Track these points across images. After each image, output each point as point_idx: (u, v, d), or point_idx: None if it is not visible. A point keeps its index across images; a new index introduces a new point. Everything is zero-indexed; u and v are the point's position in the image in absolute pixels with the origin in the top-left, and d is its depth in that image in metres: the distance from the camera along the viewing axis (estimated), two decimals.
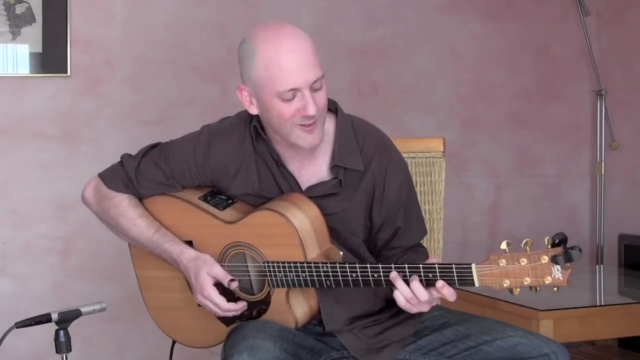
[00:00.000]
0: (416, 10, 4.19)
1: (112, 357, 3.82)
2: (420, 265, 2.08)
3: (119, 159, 2.40)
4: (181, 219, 2.32)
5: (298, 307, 2.24)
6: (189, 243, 2.29)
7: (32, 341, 3.55)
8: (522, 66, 4.38)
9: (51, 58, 3.66)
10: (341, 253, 2.25)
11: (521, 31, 4.35)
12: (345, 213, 2.27)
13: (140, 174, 2.34)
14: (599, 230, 4.35)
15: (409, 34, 4.19)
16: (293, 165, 2.28)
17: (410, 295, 2.08)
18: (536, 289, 2.01)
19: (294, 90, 2.14)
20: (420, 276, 2.08)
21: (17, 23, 3.61)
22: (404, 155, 2.40)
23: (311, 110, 2.15)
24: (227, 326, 2.29)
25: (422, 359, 2.27)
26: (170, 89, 3.84)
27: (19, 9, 3.61)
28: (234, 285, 2.21)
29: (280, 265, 2.18)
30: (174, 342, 2.46)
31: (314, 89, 2.16)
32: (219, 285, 2.22)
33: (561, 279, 1.98)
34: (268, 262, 2.20)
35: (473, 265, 2.03)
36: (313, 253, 2.19)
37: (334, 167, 2.26)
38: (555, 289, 2.00)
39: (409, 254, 2.31)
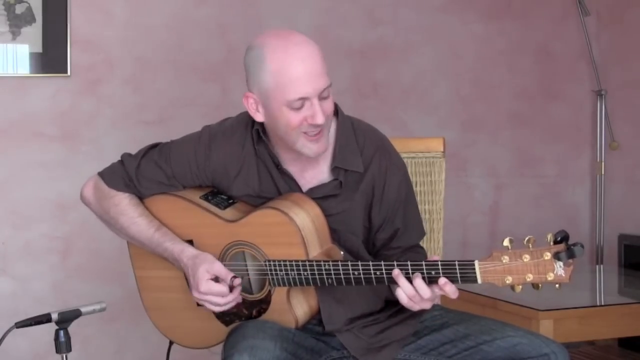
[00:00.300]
0: (416, 10, 4.19)
1: (112, 357, 3.82)
2: (423, 263, 2.08)
3: (118, 159, 2.40)
4: (182, 218, 2.32)
5: (298, 306, 2.24)
6: (190, 242, 2.29)
7: (32, 341, 3.55)
8: (522, 66, 4.38)
9: (51, 58, 3.67)
10: (342, 252, 2.25)
11: (521, 31, 4.35)
12: (346, 214, 2.28)
13: (140, 174, 2.34)
14: (599, 230, 4.35)
15: (409, 34, 4.19)
16: (294, 168, 2.29)
17: (413, 292, 2.08)
18: (538, 286, 2.01)
19: (303, 99, 2.14)
20: (422, 273, 2.08)
21: (17, 23, 3.61)
22: (403, 155, 2.41)
23: (319, 119, 2.15)
24: (227, 326, 2.29)
25: (421, 358, 2.27)
26: (170, 89, 3.84)
27: (19, 9, 3.61)
28: (237, 283, 2.21)
29: (282, 263, 2.18)
30: (170, 343, 2.46)
31: (322, 98, 2.16)
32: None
33: (563, 275, 1.98)
34: (269, 261, 2.20)
35: (476, 262, 2.03)
36: (314, 251, 2.19)
37: (334, 168, 2.27)
38: (557, 285, 2.00)
39: (408, 255, 2.31)
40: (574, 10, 4.34)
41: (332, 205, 2.27)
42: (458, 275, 2.05)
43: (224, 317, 2.30)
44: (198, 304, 2.31)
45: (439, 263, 2.07)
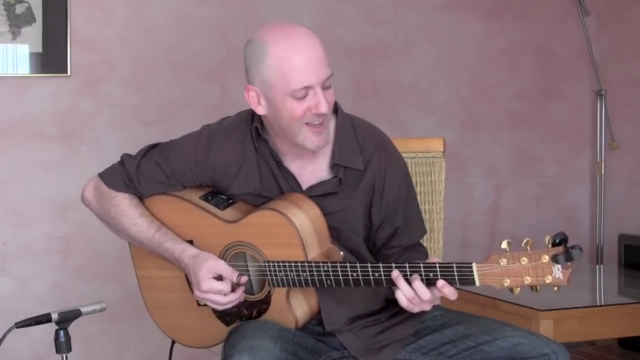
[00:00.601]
0: (416, 10, 4.19)
1: (112, 357, 3.82)
2: (421, 265, 2.08)
3: (119, 159, 2.40)
4: (182, 219, 2.32)
5: (298, 306, 2.24)
6: (190, 242, 2.29)
7: (32, 341, 3.55)
8: (522, 66, 4.38)
9: (51, 58, 3.67)
10: (342, 253, 2.25)
11: (521, 31, 4.35)
12: (346, 212, 2.28)
13: (140, 174, 2.34)
14: (599, 230, 4.35)
15: (409, 34, 4.19)
16: (294, 165, 2.29)
17: (412, 294, 2.08)
18: (536, 289, 2.01)
19: (307, 89, 2.15)
20: (421, 275, 2.08)
21: (17, 23, 3.61)
22: (404, 155, 2.40)
23: (323, 108, 2.15)
24: (227, 326, 2.30)
25: (422, 358, 2.27)
26: (170, 89, 3.84)
27: (19, 9, 3.61)
28: (244, 280, 2.20)
29: (281, 264, 2.18)
30: (173, 342, 2.46)
31: (324, 87, 2.17)
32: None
33: (562, 278, 1.98)
34: (268, 262, 2.20)
35: (474, 265, 2.03)
36: (314, 253, 2.19)
37: (334, 165, 2.26)
38: (555, 288, 2.00)
39: (408, 253, 2.31)
40: (574, 10, 4.34)
41: (332, 203, 2.27)
42: (456, 277, 2.05)
43: (225, 317, 2.30)
44: (199, 304, 2.32)
45: (437, 265, 2.07)
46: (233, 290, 2.21)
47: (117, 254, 2.93)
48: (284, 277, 2.19)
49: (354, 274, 2.13)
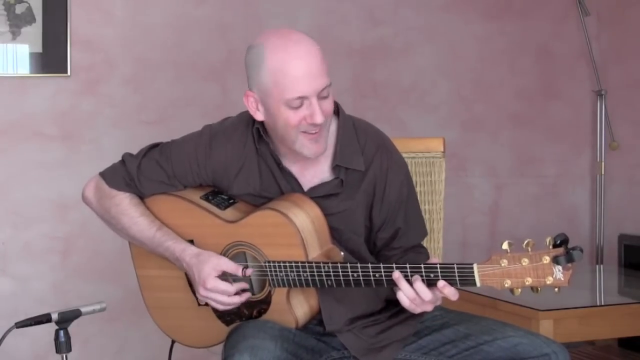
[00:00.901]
0: (416, 10, 4.19)
1: (112, 357, 3.82)
2: (422, 265, 2.08)
3: (119, 159, 2.40)
4: (182, 218, 2.32)
5: (298, 306, 2.24)
6: (190, 242, 2.29)
7: (32, 341, 3.55)
8: (522, 66, 4.38)
9: (51, 58, 3.67)
10: (342, 253, 2.25)
11: (521, 31, 4.35)
12: (347, 213, 2.28)
13: (141, 173, 2.34)
14: (599, 230, 4.35)
15: (409, 34, 4.19)
16: (295, 167, 2.29)
17: (414, 295, 2.08)
18: (537, 290, 2.01)
19: (302, 99, 2.14)
20: (422, 276, 2.07)
21: (17, 23, 3.61)
22: (403, 155, 2.40)
23: (318, 119, 2.15)
24: (227, 326, 2.30)
25: (422, 358, 2.27)
26: (170, 89, 3.84)
27: (19, 9, 3.61)
28: (249, 273, 2.20)
29: (281, 264, 2.18)
30: (173, 342, 2.46)
31: (321, 97, 2.16)
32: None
33: (562, 279, 1.98)
34: (269, 262, 2.20)
35: (475, 265, 2.03)
36: (314, 253, 2.19)
37: (335, 167, 2.26)
38: (556, 289, 2.00)
39: (409, 255, 2.31)
40: (574, 10, 4.34)
41: (333, 204, 2.27)
42: (457, 278, 2.05)
43: (225, 317, 2.30)
44: (199, 304, 2.32)
45: (438, 266, 2.07)
46: (237, 293, 2.22)
47: (117, 253, 2.93)
48: (284, 277, 2.19)
49: (355, 274, 2.13)
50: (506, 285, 2.01)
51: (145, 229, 2.31)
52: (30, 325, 2.23)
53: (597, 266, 4.27)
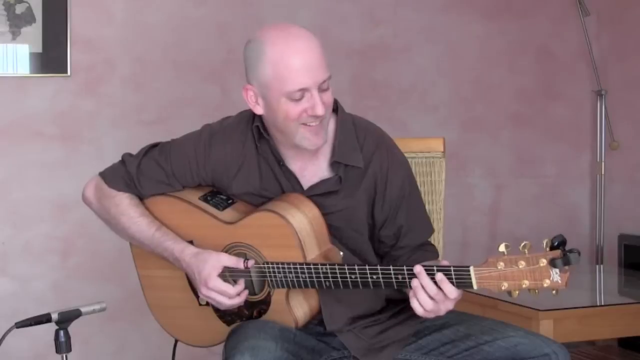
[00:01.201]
0: (416, 10, 4.19)
1: (112, 357, 3.82)
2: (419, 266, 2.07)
3: (119, 159, 2.40)
4: (181, 219, 2.32)
5: (298, 307, 2.24)
6: (189, 243, 2.29)
7: (32, 341, 3.55)
8: (522, 66, 4.38)
9: (51, 58, 3.67)
10: (341, 254, 2.25)
11: (521, 31, 4.35)
12: (348, 211, 2.27)
13: (141, 173, 2.34)
14: (599, 230, 4.35)
15: (409, 34, 4.19)
16: (295, 165, 2.28)
17: (436, 290, 2.04)
18: (535, 292, 2.00)
19: (303, 91, 2.14)
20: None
21: (17, 23, 3.61)
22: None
23: (319, 110, 2.15)
24: (228, 326, 2.30)
25: (422, 358, 2.27)
26: (170, 89, 3.84)
27: (19, 9, 3.61)
28: (252, 264, 2.20)
29: (280, 266, 2.18)
30: (176, 341, 2.46)
31: (321, 89, 2.16)
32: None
33: (560, 282, 1.97)
34: (268, 263, 2.20)
35: (471, 268, 2.02)
36: (312, 254, 2.19)
37: (333, 163, 2.26)
38: (554, 292, 1.99)
39: (417, 254, 2.31)
40: (574, 10, 4.34)
41: (333, 202, 2.26)
42: (454, 280, 2.04)
43: (225, 317, 2.30)
44: (200, 304, 2.32)
45: (435, 268, 2.05)
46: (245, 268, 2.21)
47: (117, 253, 2.93)
48: (283, 279, 2.19)
49: (353, 276, 2.13)
50: (503, 288, 2.00)
51: (145, 229, 2.31)
52: (30, 325, 2.23)
53: (597, 266, 4.27)
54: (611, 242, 4.28)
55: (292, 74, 2.13)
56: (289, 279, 2.18)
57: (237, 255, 2.25)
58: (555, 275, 1.97)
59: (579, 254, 1.95)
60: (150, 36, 3.82)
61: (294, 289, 2.22)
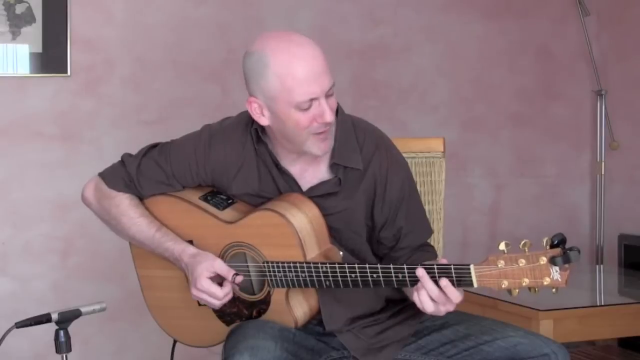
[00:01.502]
0: (416, 10, 4.19)
1: (112, 357, 3.82)
2: (419, 266, 2.07)
3: (119, 159, 2.40)
4: (181, 219, 2.32)
5: (298, 307, 2.24)
6: (189, 243, 2.29)
7: (32, 341, 3.55)
8: (522, 66, 4.38)
9: (51, 58, 3.67)
10: (341, 253, 2.25)
11: (521, 31, 4.35)
12: (347, 212, 2.27)
13: (141, 174, 2.34)
14: (599, 230, 4.35)
15: (409, 34, 4.19)
16: (294, 168, 2.28)
17: (438, 292, 2.05)
18: (535, 290, 2.00)
19: (312, 100, 2.13)
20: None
21: (17, 23, 3.61)
22: (404, 155, 2.40)
23: (328, 117, 2.15)
24: (228, 326, 2.30)
25: (422, 358, 2.27)
26: (170, 89, 3.84)
27: (19, 9, 3.61)
28: (239, 280, 2.20)
29: (280, 265, 2.18)
30: (175, 342, 2.46)
31: (327, 96, 2.16)
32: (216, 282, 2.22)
33: (560, 280, 1.98)
34: (267, 262, 2.20)
35: (472, 266, 2.03)
36: (312, 253, 2.19)
37: (333, 165, 2.26)
38: (553, 290, 2.00)
39: (417, 254, 2.31)
40: (574, 10, 4.34)
41: (332, 203, 2.26)
42: (454, 278, 2.05)
43: (225, 317, 2.30)
44: (199, 304, 2.32)
45: (435, 266, 2.06)
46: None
47: (117, 254, 2.93)
48: (283, 278, 2.19)
49: (353, 275, 2.13)
50: (503, 286, 2.00)
51: (145, 229, 2.31)
52: (30, 325, 2.23)
53: (597, 266, 4.27)
54: (611, 242, 4.28)
55: (299, 84, 2.12)
56: (288, 278, 2.18)
57: (238, 254, 2.25)
58: (555, 273, 1.97)
59: (579, 252, 1.96)
60: (150, 36, 3.82)
61: (294, 289, 2.22)
